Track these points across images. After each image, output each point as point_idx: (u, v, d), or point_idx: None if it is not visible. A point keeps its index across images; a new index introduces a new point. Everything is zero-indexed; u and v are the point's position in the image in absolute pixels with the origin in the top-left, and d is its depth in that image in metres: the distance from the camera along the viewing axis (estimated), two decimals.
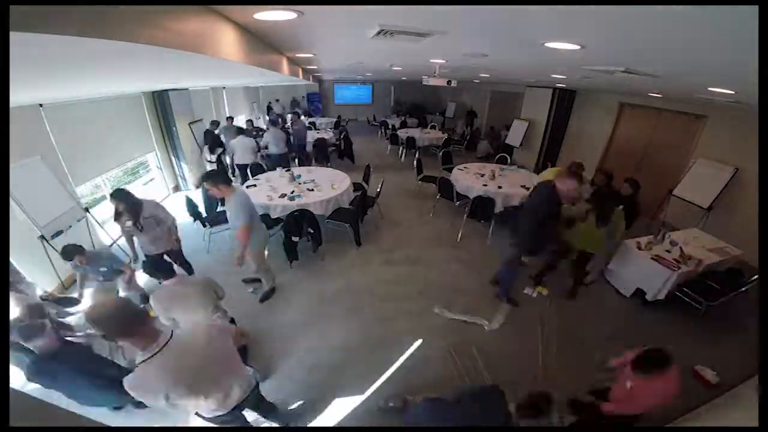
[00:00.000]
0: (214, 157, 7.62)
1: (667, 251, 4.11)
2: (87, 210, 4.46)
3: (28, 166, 3.78)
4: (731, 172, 5.20)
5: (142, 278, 3.96)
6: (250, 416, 2.37)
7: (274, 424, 2.61)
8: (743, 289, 3.68)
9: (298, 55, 4.08)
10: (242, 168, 6.93)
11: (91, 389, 2.29)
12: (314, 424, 2.75)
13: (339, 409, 2.86)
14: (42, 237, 3.71)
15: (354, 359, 3.31)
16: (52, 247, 3.80)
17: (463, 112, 14.68)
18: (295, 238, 4.50)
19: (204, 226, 5.11)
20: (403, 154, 10.38)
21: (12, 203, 3.49)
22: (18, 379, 2.42)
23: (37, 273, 3.80)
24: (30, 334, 2.06)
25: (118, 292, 3.61)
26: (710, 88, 3.33)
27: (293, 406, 2.87)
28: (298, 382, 3.07)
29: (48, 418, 1.14)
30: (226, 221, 5.04)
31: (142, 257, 3.59)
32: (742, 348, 3.46)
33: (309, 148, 9.13)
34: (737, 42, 1.32)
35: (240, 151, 6.88)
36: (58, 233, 3.88)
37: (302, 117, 10.64)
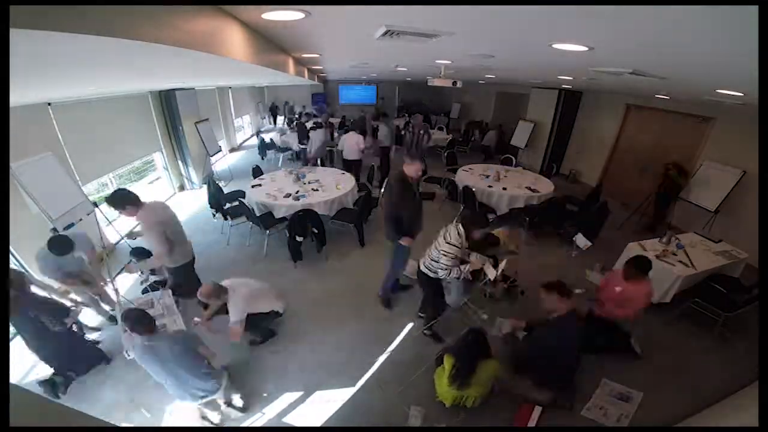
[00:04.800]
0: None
1: (674, 254, 4.08)
2: (96, 204, 4.51)
3: (41, 161, 3.84)
4: (739, 174, 5.15)
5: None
6: None
7: None
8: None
9: (304, 56, 4.10)
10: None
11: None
12: (310, 417, 2.76)
13: (334, 403, 2.90)
14: (54, 229, 3.76)
15: (355, 359, 3.32)
16: None
17: (467, 113, 14.65)
18: (299, 238, 4.51)
19: (225, 218, 5.26)
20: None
21: (26, 197, 3.57)
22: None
23: None
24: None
25: None
26: (719, 90, 3.30)
27: (292, 398, 2.90)
28: (299, 379, 3.09)
29: (49, 418, 1.14)
30: (241, 214, 5.18)
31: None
32: (750, 352, 3.44)
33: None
34: (744, 43, 1.31)
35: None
36: (70, 225, 3.94)
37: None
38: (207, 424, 2.72)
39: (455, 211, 6.11)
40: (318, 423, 2.76)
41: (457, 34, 2.02)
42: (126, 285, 4.27)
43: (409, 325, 3.72)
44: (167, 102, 6.71)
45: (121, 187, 3.38)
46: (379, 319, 3.82)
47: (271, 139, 10.01)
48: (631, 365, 3.30)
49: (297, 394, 2.97)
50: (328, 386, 3.04)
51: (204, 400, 2.46)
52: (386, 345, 3.48)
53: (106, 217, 4.88)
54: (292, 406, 2.88)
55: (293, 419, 2.78)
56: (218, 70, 3.04)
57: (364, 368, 3.22)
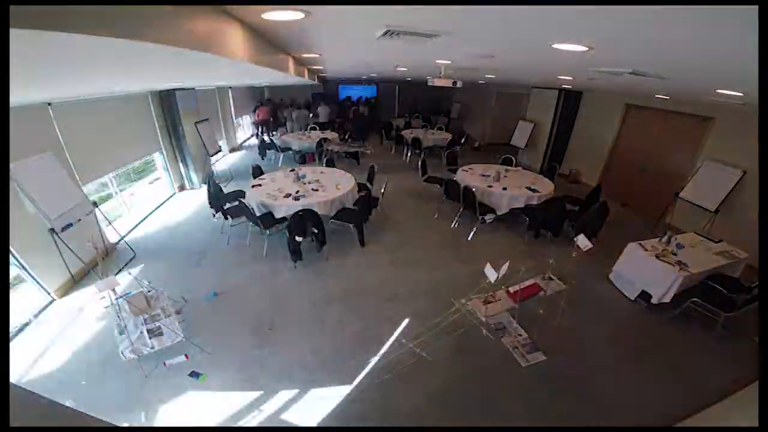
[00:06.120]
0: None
1: (674, 254, 4.08)
2: (95, 204, 4.52)
3: (40, 161, 3.85)
4: (739, 174, 5.15)
5: None
6: None
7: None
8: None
9: (304, 55, 4.10)
10: None
11: None
12: (308, 415, 2.76)
13: (333, 401, 2.90)
14: (52, 230, 3.76)
15: (355, 358, 3.32)
16: (62, 240, 3.86)
17: (467, 114, 14.64)
18: (299, 238, 4.51)
19: (225, 218, 5.28)
20: (408, 155, 10.37)
21: (23, 197, 3.56)
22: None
23: (46, 266, 3.87)
24: None
25: None
26: (718, 90, 3.30)
27: (292, 396, 2.90)
28: (298, 378, 3.09)
29: (50, 418, 1.14)
30: (241, 214, 5.19)
31: None
32: (749, 352, 3.44)
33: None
34: (744, 43, 1.31)
35: None
36: (68, 226, 3.95)
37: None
38: None
39: (454, 212, 6.12)
40: (317, 422, 2.76)
41: (457, 34, 2.02)
42: (124, 284, 4.25)
43: (405, 321, 3.73)
44: (167, 102, 6.71)
45: None
46: (378, 318, 3.83)
47: (271, 139, 10.06)
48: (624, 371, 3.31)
49: (296, 393, 2.97)
50: (328, 385, 3.04)
51: None
52: (385, 344, 3.48)
53: (105, 217, 4.89)
54: (291, 404, 2.88)
55: (292, 418, 2.78)
56: (219, 70, 3.03)
57: (363, 367, 3.22)
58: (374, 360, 3.30)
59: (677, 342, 3.65)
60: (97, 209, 4.57)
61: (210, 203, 5.50)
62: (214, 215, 5.61)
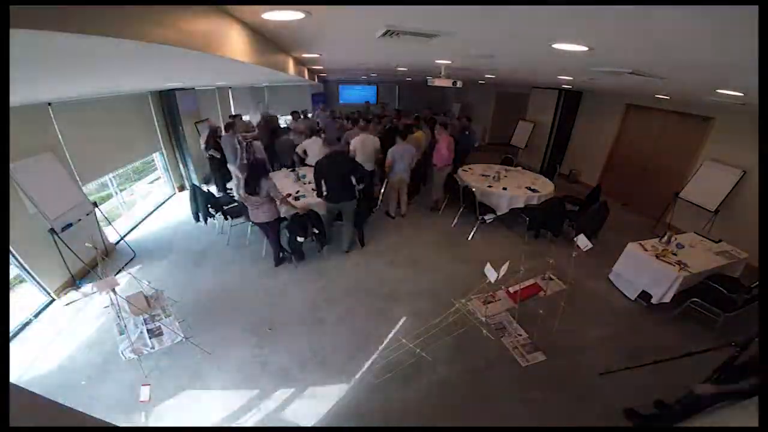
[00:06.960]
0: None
1: (674, 254, 4.08)
2: (95, 204, 4.51)
3: (40, 161, 3.85)
4: (739, 174, 5.15)
5: None
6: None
7: None
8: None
9: (304, 56, 4.10)
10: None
11: None
12: (308, 415, 2.76)
13: (333, 401, 2.90)
14: (51, 230, 3.76)
15: (355, 358, 3.32)
16: (62, 240, 3.86)
17: (468, 113, 14.62)
18: (300, 238, 4.51)
19: (225, 218, 5.26)
20: None
21: (23, 197, 3.57)
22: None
23: (46, 266, 3.87)
24: None
25: None
26: (718, 90, 3.30)
27: (291, 396, 2.90)
28: (298, 378, 3.10)
29: (50, 418, 1.14)
30: (241, 214, 5.15)
31: None
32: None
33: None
34: (744, 43, 1.31)
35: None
36: (68, 226, 3.95)
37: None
38: None
39: (455, 212, 6.12)
40: (316, 421, 2.76)
41: (457, 34, 2.02)
42: (124, 284, 4.25)
43: (405, 321, 3.73)
44: (167, 102, 6.70)
45: None
46: (378, 318, 3.83)
47: None
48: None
49: (296, 393, 2.97)
50: (328, 384, 3.05)
51: None
52: (385, 344, 3.48)
53: (105, 217, 4.89)
54: (291, 404, 2.88)
55: (292, 417, 2.78)
56: (218, 70, 3.04)
57: (363, 367, 3.22)
58: (374, 360, 3.30)
59: (677, 342, 3.64)
60: (97, 209, 4.57)
61: (194, 213, 5.26)
62: (205, 221, 5.39)
